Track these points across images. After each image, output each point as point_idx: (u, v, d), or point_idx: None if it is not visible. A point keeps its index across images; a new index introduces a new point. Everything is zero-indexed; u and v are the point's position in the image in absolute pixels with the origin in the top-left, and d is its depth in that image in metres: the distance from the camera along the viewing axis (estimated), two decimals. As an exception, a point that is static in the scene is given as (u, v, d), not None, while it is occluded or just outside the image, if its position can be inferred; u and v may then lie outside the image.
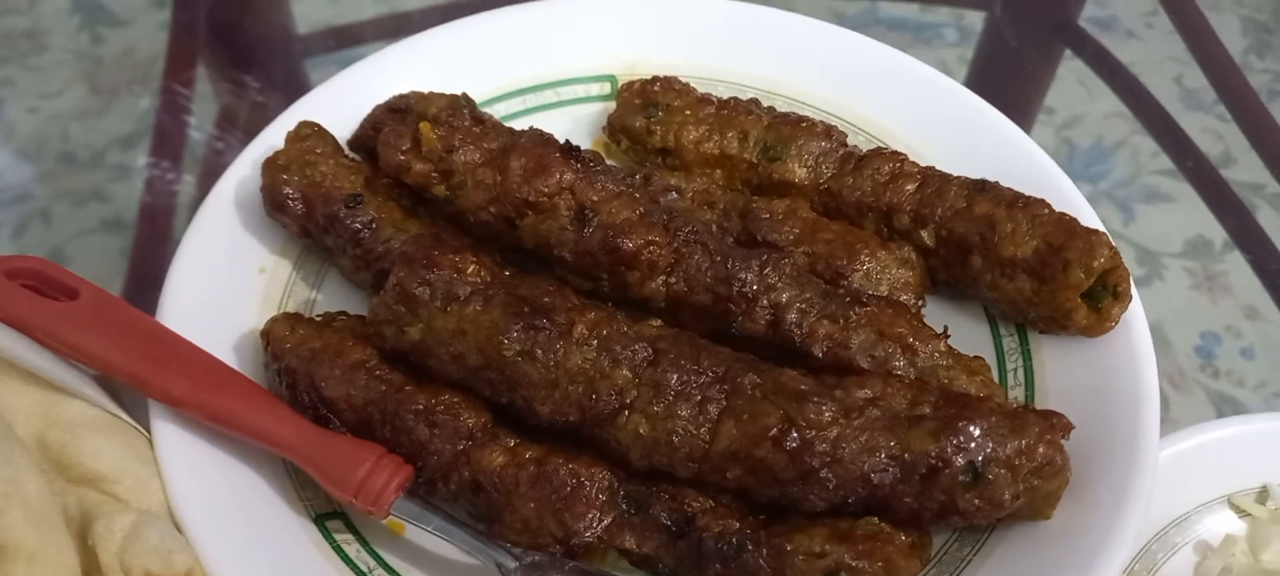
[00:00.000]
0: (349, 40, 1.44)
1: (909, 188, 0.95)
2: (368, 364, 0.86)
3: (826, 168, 0.99)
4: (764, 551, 0.79)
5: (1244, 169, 1.37)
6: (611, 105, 1.07)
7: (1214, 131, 1.42)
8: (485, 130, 0.92)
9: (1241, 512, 0.94)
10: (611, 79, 1.11)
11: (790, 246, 0.93)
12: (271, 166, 0.95)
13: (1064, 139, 1.42)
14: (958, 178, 0.95)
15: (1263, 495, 0.95)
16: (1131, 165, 1.40)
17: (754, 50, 1.11)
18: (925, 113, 1.06)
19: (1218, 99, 1.41)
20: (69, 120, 1.34)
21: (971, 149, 1.01)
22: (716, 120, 1.02)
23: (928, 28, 1.55)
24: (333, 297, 0.99)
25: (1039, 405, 0.88)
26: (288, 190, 0.94)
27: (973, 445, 0.77)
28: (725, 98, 1.04)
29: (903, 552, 0.78)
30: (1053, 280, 0.87)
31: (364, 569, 0.84)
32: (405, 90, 1.02)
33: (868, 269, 0.92)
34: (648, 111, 1.03)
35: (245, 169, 0.99)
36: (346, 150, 1.00)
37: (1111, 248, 0.87)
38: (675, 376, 0.81)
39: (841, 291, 0.89)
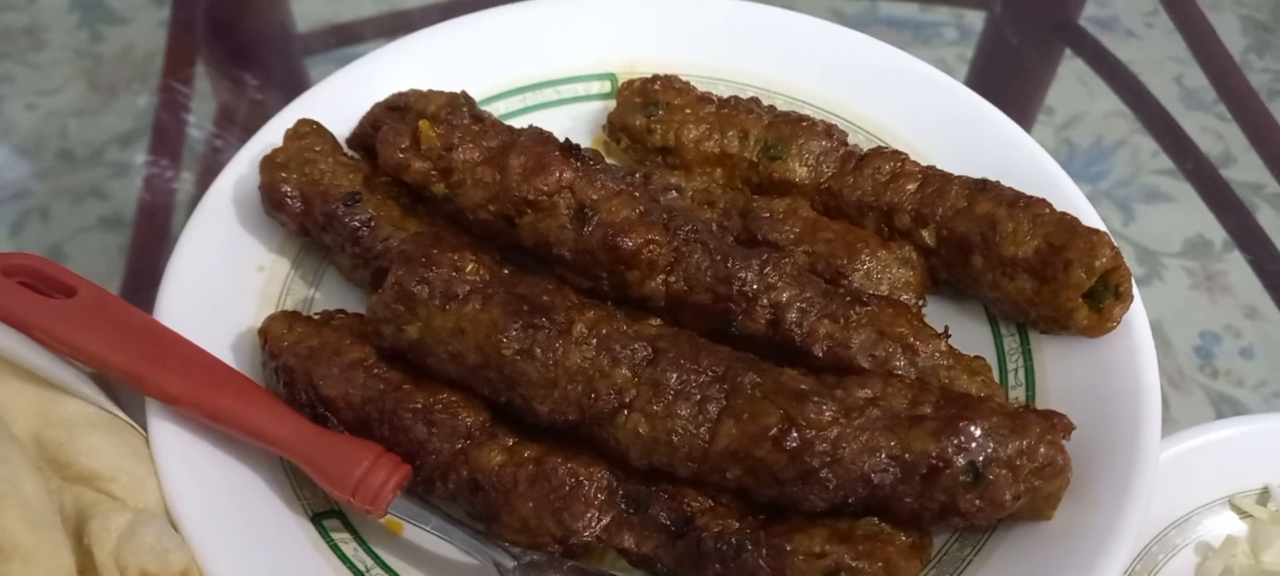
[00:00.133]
0: (348, 38, 1.44)
1: (910, 187, 0.95)
2: (366, 362, 0.85)
3: (827, 167, 0.99)
4: (763, 551, 0.78)
5: (1244, 168, 1.37)
6: (611, 104, 1.07)
7: (1214, 131, 1.41)
8: (484, 128, 0.91)
9: (1242, 514, 0.94)
10: (611, 77, 1.11)
11: (790, 246, 0.92)
12: (270, 164, 0.94)
13: (1064, 138, 1.41)
14: (959, 177, 0.95)
15: (1264, 496, 0.95)
16: (1131, 165, 1.39)
17: (754, 49, 1.10)
18: (926, 112, 1.05)
19: (1217, 98, 1.41)
20: (68, 117, 1.34)
21: (972, 148, 1.01)
22: (717, 119, 1.01)
23: (927, 27, 1.55)
24: (331, 296, 0.98)
25: (1040, 405, 0.88)
26: (286, 188, 0.93)
27: (974, 445, 0.76)
28: (725, 96, 1.04)
29: (903, 553, 0.78)
30: (1054, 280, 0.86)
31: (361, 568, 0.83)
32: (404, 88, 1.01)
33: (868, 268, 0.91)
34: (648, 110, 1.02)
35: (243, 166, 0.98)
36: (345, 148, 1.00)
37: (1113, 247, 0.86)
38: (675, 375, 0.80)
39: (842, 291, 0.88)
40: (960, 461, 0.76)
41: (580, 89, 1.11)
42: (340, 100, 1.02)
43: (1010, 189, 0.92)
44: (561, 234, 0.88)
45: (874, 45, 1.10)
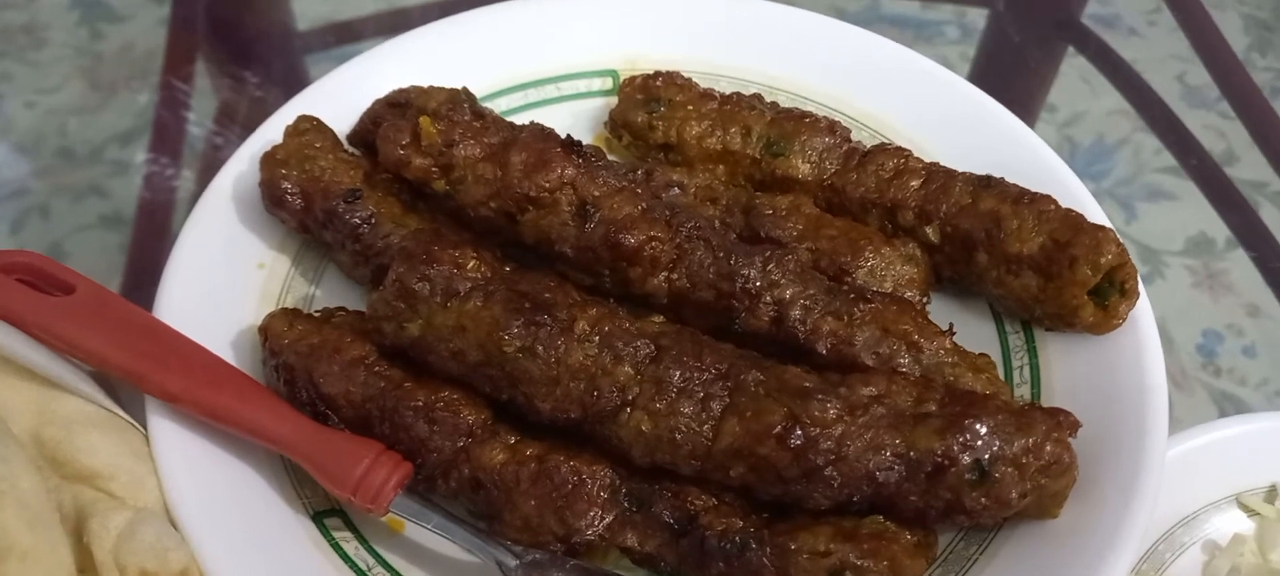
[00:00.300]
0: (348, 36, 1.43)
1: (913, 184, 0.94)
2: (367, 360, 0.85)
3: (830, 163, 0.98)
4: (768, 550, 0.77)
5: (1247, 166, 1.36)
6: (613, 100, 1.06)
7: (1216, 129, 1.41)
8: (486, 125, 0.91)
9: (1250, 512, 0.93)
10: (613, 74, 1.10)
11: (794, 243, 0.91)
12: (270, 161, 0.94)
13: (1066, 136, 1.41)
14: (963, 174, 0.94)
15: (1271, 494, 0.94)
16: (1133, 163, 1.38)
17: (756, 45, 1.09)
18: (929, 108, 1.04)
19: (1220, 96, 1.40)
20: (67, 115, 1.33)
21: (976, 144, 1.00)
22: (719, 115, 1.00)
23: (929, 25, 1.54)
24: (331, 293, 0.98)
25: (1045, 403, 0.87)
26: (286, 185, 0.93)
27: (979, 443, 0.75)
28: (727, 93, 1.03)
29: (908, 551, 0.77)
30: (1059, 277, 0.86)
31: (363, 567, 0.83)
32: (405, 85, 1.01)
33: (872, 265, 0.91)
34: (650, 107, 1.01)
35: (243, 163, 0.98)
36: (345, 145, 0.99)
37: (1119, 244, 0.85)
38: (678, 373, 0.79)
39: (845, 288, 0.88)
40: (966, 459, 0.75)
41: (581, 85, 1.10)
42: (340, 97, 1.02)
43: (1015, 185, 0.91)
44: (563, 231, 0.87)
45: (877, 41, 1.09)
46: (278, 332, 0.87)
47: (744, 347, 0.83)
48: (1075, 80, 1.46)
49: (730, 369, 0.80)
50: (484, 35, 1.09)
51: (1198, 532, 0.91)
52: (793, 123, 0.99)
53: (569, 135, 0.91)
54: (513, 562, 0.79)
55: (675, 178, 0.96)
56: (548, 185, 0.87)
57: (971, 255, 0.90)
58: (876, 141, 1.01)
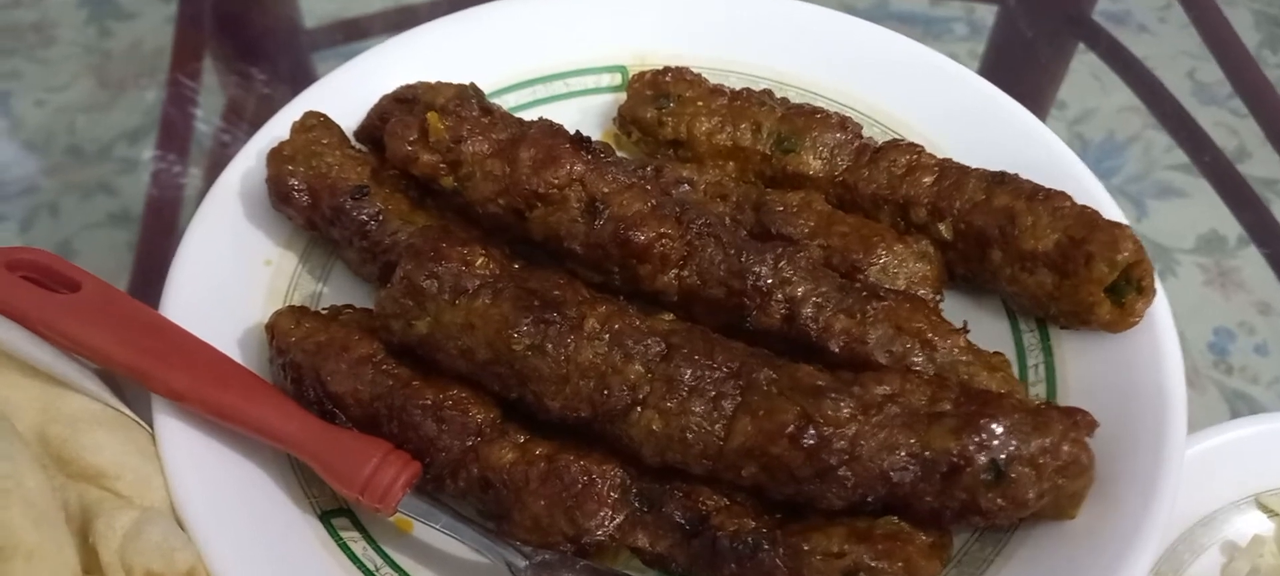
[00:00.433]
0: (356, 33, 1.42)
1: (926, 180, 0.93)
2: (375, 358, 0.84)
3: (841, 160, 0.97)
4: (780, 551, 0.76)
5: (1259, 163, 1.34)
6: (621, 96, 1.04)
7: (1228, 126, 1.39)
8: (494, 121, 0.90)
9: (1270, 512, 0.91)
10: (622, 70, 1.09)
11: (805, 240, 0.90)
12: (277, 157, 0.93)
13: (1076, 133, 1.39)
14: (976, 170, 0.92)
15: (1292, 493, 0.92)
16: (1144, 160, 1.37)
17: (766, 41, 1.08)
18: (941, 104, 1.02)
19: (1231, 93, 1.39)
20: (76, 113, 1.33)
21: (988, 140, 0.98)
22: (729, 111, 0.99)
23: (937, 22, 1.52)
24: (339, 290, 0.97)
25: (1061, 402, 0.85)
26: (293, 181, 0.92)
27: (995, 443, 0.74)
28: (737, 89, 1.02)
29: (923, 553, 0.75)
30: (1075, 274, 0.84)
31: (371, 567, 0.82)
32: (412, 81, 1.00)
33: (884, 263, 0.89)
34: (659, 102, 1.00)
35: (250, 160, 0.97)
36: (353, 141, 0.98)
37: (1135, 241, 0.83)
38: (689, 371, 0.78)
39: (858, 285, 0.86)
40: (981, 459, 0.74)
41: (590, 82, 1.09)
42: (348, 93, 1.01)
43: (1029, 181, 0.90)
44: (572, 228, 0.86)
45: (888, 36, 1.08)
46: (285, 330, 0.86)
47: (755, 346, 0.82)
48: (1085, 77, 1.44)
49: (742, 367, 0.79)
50: (491, 31, 1.08)
51: (1216, 533, 0.89)
52: (804, 118, 0.98)
53: (578, 131, 0.90)
54: (522, 563, 0.78)
55: (685, 174, 0.95)
56: (556, 182, 0.86)
57: (985, 252, 0.89)
58: (888, 137, 1.00)
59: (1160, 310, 0.85)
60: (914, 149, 0.95)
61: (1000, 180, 0.90)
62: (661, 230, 0.85)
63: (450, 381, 0.83)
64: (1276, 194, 1.31)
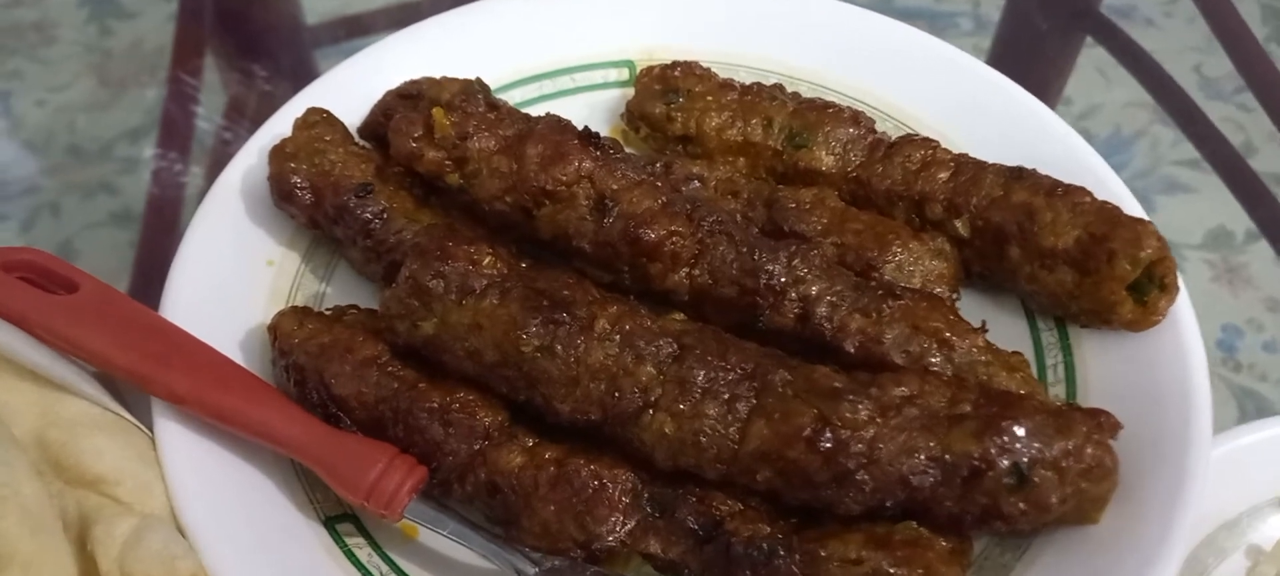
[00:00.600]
0: (358, 30, 1.42)
1: (942, 176, 0.90)
2: (379, 360, 0.82)
3: (855, 155, 0.94)
4: (796, 557, 0.74)
5: (1266, 159, 1.32)
6: (629, 91, 1.03)
7: (1234, 121, 1.37)
8: (500, 116, 0.88)
9: (1296, 515, 0.88)
10: (629, 64, 1.07)
11: (818, 237, 0.88)
12: (279, 154, 0.91)
13: (1081, 129, 1.33)
14: (993, 165, 0.90)
15: (1318, 496, 0.89)
16: (1150, 155, 1.35)
17: (776, 34, 1.06)
18: (955, 98, 1.00)
19: (1238, 88, 1.37)
20: (77, 112, 1.32)
21: (1003, 135, 0.96)
22: (739, 106, 0.97)
23: (942, 17, 1.50)
24: (343, 291, 0.95)
25: (1081, 403, 0.83)
26: (296, 179, 0.90)
27: (1017, 446, 0.71)
28: (748, 83, 1.00)
29: (943, 559, 0.73)
30: (1096, 272, 0.82)
31: (376, 574, 0.80)
32: (417, 77, 0.98)
33: (900, 260, 0.86)
34: (668, 97, 0.98)
35: (252, 157, 0.95)
36: (356, 138, 0.97)
37: (1159, 237, 0.81)
38: (702, 373, 0.76)
39: (873, 284, 0.84)
40: (1003, 463, 0.71)
41: (597, 77, 1.07)
42: (351, 89, 0.99)
43: (1047, 177, 0.87)
44: (581, 226, 0.85)
45: (900, 29, 1.05)
46: (287, 332, 0.84)
47: (768, 346, 0.80)
48: (1091, 72, 1.42)
49: (756, 368, 0.76)
50: (497, 26, 1.06)
51: (1241, 537, 0.86)
52: (815, 113, 0.95)
53: (586, 127, 0.88)
54: (531, 570, 0.77)
55: (695, 170, 0.93)
56: (565, 178, 0.85)
57: (1003, 249, 0.86)
58: (901, 132, 0.98)
59: (1183, 308, 0.83)
60: (929, 144, 0.93)
61: (1018, 175, 0.88)
62: (672, 228, 0.83)
63: (457, 384, 0.81)
64: (1285, 189, 1.29)
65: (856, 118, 0.95)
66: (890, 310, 0.81)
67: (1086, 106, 1.38)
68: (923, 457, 0.72)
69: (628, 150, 0.97)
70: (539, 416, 0.80)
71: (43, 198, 1.23)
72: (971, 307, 0.89)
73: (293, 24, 1.45)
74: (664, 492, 0.78)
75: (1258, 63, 1.30)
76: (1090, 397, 0.83)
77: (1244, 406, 1.12)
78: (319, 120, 0.93)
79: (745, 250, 0.83)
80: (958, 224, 0.88)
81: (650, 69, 1.01)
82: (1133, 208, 0.87)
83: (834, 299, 0.82)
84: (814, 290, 0.82)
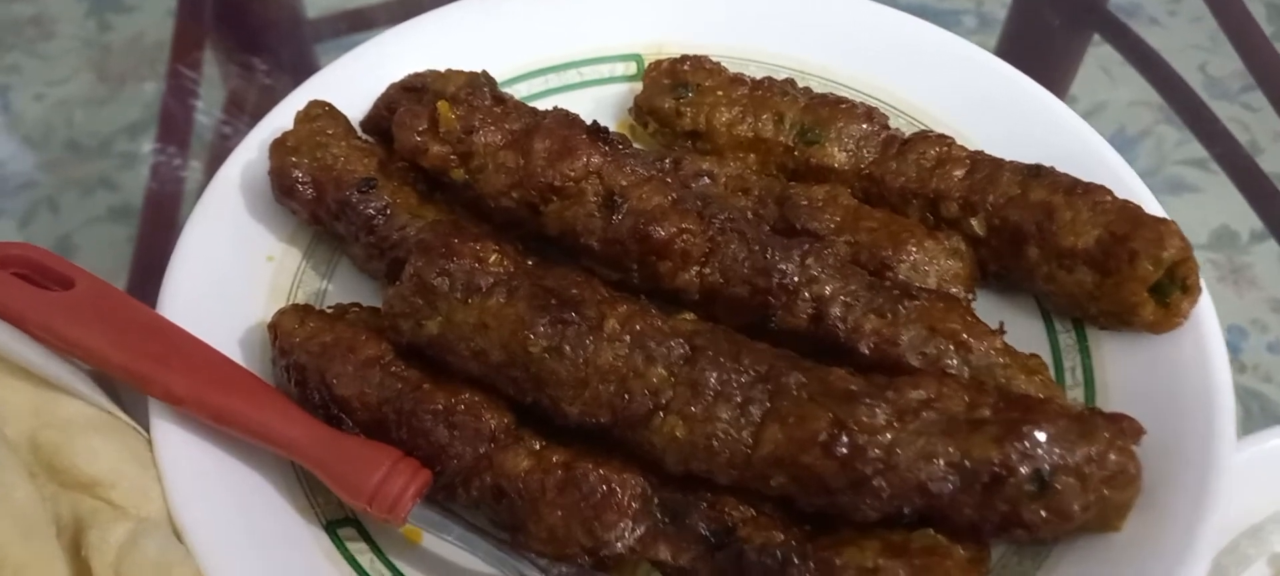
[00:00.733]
0: (360, 24, 1.41)
1: (957, 173, 0.88)
2: (382, 360, 0.80)
3: (868, 152, 0.92)
4: (811, 565, 0.72)
5: (1273, 158, 1.30)
6: (637, 86, 1.01)
7: (1239, 121, 1.36)
8: (507, 110, 0.86)
9: (1321, 521, 0.85)
10: (637, 58, 1.05)
11: (831, 235, 0.86)
12: (280, 148, 0.90)
13: (1087, 127, 1.34)
14: (1010, 162, 0.88)
15: (1343, 503, 0.86)
16: (1155, 155, 1.33)
17: (787, 29, 1.04)
18: (969, 93, 0.98)
19: (1243, 88, 1.35)
20: (76, 108, 1.31)
21: (1020, 131, 0.93)
22: (750, 101, 0.95)
23: (945, 15, 1.48)
24: (345, 288, 0.93)
25: (1100, 407, 0.81)
26: (297, 173, 0.89)
27: (1038, 452, 0.69)
28: (758, 78, 0.98)
29: (961, 567, 0.71)
30: (1117, 272, 0.79)
31: (378, 580, 0.79)
32: (420, 70, 0.96)
33: (915, 260, 0.84)
34: (677, 92, 0.96)
35: (252, 151, 0.94)
36: (359, 132, 0.95)
37: (1182, 238, 0.79)
38: (714, 375, 0.74)
39: (888, 283, 0.81)
40: (1025, 469, 0.69)
41: (604, 71, 1.05)
42: (353, 82, 0.98)
43: (1066, 175, 0.85)
44: (589, 222, 0.83)
45: (912, 23, 1.03)
46: (288, 330, 0.82)
47: (780, 347, 0.78)
48: (1095, 71, 1.41)
49: (770, 370, 0.74)
50: (501, 18, 1.05)
51: (1264, 545, 0.83)
52: (828, 109, 0.93)
53: (595, 121, 0.86)
54: None
55: (705, 167, 0.91)
56: (573, 174, 0.83)
57: (1021, 249, 0.84)
58: (915, 128, 0.96)
59: (1205, 309, 0.81)
60: (944, 140, 0.90)
61: (1036, 173, 0.86)
62: (683, 225, 0.81)
63: (462, 385, 0.79)
64: (1291, 188, 1.27)
65: (870, 114, 0.93)
66: (906, 311, 0.78)
67: (1091, 105, 1.37)
68: (942, 463, 0.69)
69: (635, 146, 0.95)
70: (546, 419, 0.78)
71: (41, 193, 1.22)
72: (986, 308, 0.86)
73: (293, 18, 1.44)
74: (675, 498, 0.76)
75: (1267, 60, 1.28)
76: (1110, 401, 0.81)
77: (1248, 408, 1.10)
78: (321, 113, 0.92)
79: (757, 248, 0.81)
80: (974, 222, 0.86)
81: (659, 63, 0.99)
82: (1153, 207, 0.85)
83: (848, 299, 0.79)
84: (828, 290, 0.79)
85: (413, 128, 0.86)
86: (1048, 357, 0.84)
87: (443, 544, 0.77)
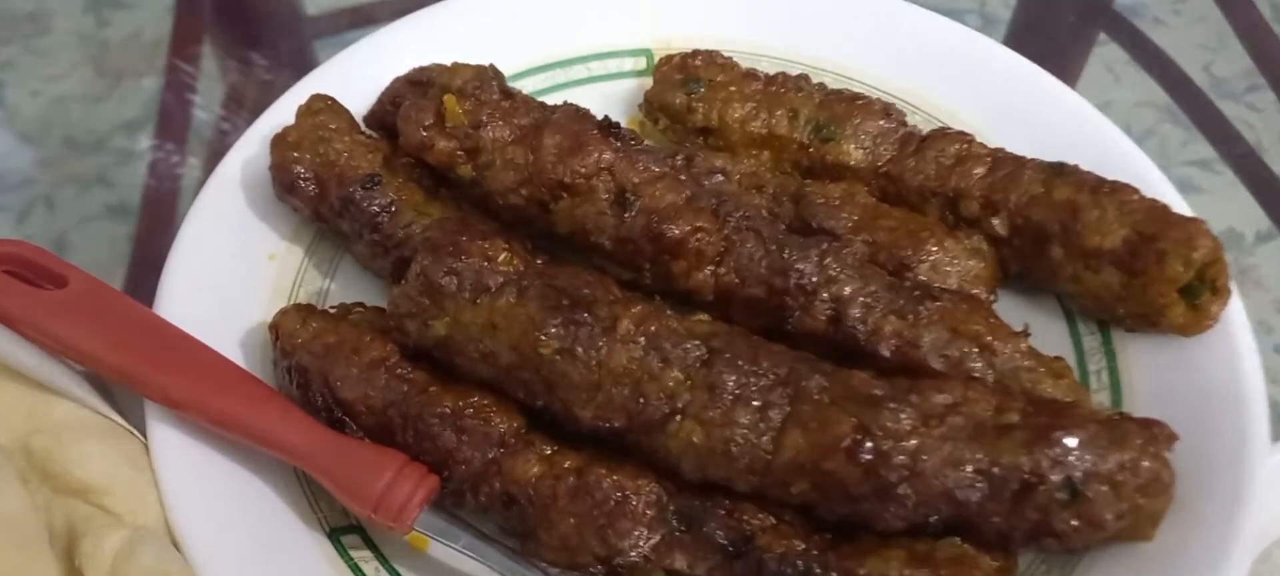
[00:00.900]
0: (361, 20, 1.38)
1: (978, 171, 0.85)
2: (388, 361, 0.78)
3: (885, 149, 0.89)
4: (833, 575, 0.69)
5: (1276, 158, 1.27)
6: (646, 81, 0.98)
7: (1244, 121, 1.34)
8: (516, 104, 0.84)
9: (1354, 530, 0.82)
10: (646, 53, 1.02)
11: (848, 234, 0.83)
12: (281, 143, 0.87)
13: (1091, 127, 1.31)
14: (1032, 160, 0.85)
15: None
16: (1160, 155, 1.29)
17: (800, 23, 1.00)
18: (987, 89, 0.95)
19: (1248, 88, 1.32)
20: (73, 104, 1.28)
21: (1040, 129, 0.91)
22: (764, 97, 0.92)
23: (950, 14, 1.42)
24: (348, 287, 0.91)
25: (1128, 411, 0.78)
26: (299, 169, 0.86)
27: (1070, 458, 0.66)
28: (771, 73, 0.95)
29: (989, 577, 0.68)
30: (1145, 273, 0.76)
31: (383, 589, 0.77)
32: (425, 63, 0.93)
33: (935, 260, 0.81)
34: (689, 87, 0.93)
35: (252, 147, 0.92)
36: (362, 127, 0.93)
37: (1212, 238, 0.76)
38: (732, 378, 0.71)
39: (908, 284, 0.78)
40: (1055, 476, 0.66)
41: (613, 66, 1.02)
42: (356, 76, 0.95)
43: (1091, 173, 0.82)
44: (600, 220, 0.81)
45: (928, 17, 1.01)
46: (290, 331, 0.80)
47: (797, 350, 0.74)
48: (1100, 71, 1.38)
49: (790, 373, 0.71)
50: (508, 12, 1.02)
51: (1299, 553, 0.80)
52: (844, 105, 0.90)
53: (606, 116, 0.83)
54: None
55: (718, 164, 0.88)
56: (584, 170, 0.80)
57: (1044, 249, 0.81)
58: (932, 126, 0.93)
59: (1235, 312, 0.78)
60: (964, 138, 0.87)
61: (1059, 171, 0.83)
62: (697, 224, 0.79)
63: (471, 388, 0.77)
64: (1297, 188, 1.24)
65: (887, 110, 0.90)
66: (928, 312, 0.75)
67: (1096, 105, 1.32)
68: (969, 470, 0.67)
69: (647, 143, 0.93)
70: (558, 423, 0.76)
71: (37, 190, 1.19)
72: (1006, 309, 0.83)
73: (293, 13, 1.41)
74: (691, 505, 0.73)
75: (1273, 46, 1.25)
76: (1137, 405, 0.78)
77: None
78: (323, 107, 0.89)
79: (774, 248, 0.78)
80: (995, 222, 0.83)
81: (670, 57, 0.96)
82: (1181, 207, 0.82)
83: (868, 300, 0.76)
84: (847, 291, 0.76)
85: (418, 122, 0.83)
86: (1072, 360, 0.81)
87: (450, 552, 0.75)
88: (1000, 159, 0.85)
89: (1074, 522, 0.66)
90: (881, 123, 0.89)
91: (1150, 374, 0.79)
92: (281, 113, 0.92)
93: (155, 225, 1.14)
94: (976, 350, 0.74)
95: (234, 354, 0.82)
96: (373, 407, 0.76)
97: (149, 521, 0.73)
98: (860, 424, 0.67)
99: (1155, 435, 0.68)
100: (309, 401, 0.78)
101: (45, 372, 0.76)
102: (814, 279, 0.76)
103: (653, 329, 0.73)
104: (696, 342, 0.72)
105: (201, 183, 0.93)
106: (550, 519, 0.72)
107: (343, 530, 0.78)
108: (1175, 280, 0.75)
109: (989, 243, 0.83)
